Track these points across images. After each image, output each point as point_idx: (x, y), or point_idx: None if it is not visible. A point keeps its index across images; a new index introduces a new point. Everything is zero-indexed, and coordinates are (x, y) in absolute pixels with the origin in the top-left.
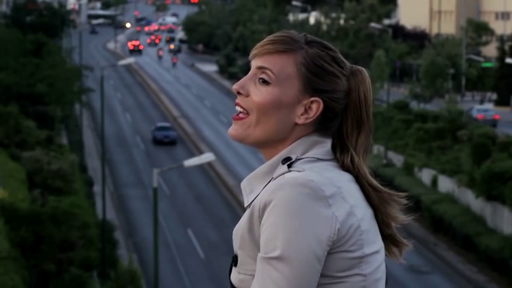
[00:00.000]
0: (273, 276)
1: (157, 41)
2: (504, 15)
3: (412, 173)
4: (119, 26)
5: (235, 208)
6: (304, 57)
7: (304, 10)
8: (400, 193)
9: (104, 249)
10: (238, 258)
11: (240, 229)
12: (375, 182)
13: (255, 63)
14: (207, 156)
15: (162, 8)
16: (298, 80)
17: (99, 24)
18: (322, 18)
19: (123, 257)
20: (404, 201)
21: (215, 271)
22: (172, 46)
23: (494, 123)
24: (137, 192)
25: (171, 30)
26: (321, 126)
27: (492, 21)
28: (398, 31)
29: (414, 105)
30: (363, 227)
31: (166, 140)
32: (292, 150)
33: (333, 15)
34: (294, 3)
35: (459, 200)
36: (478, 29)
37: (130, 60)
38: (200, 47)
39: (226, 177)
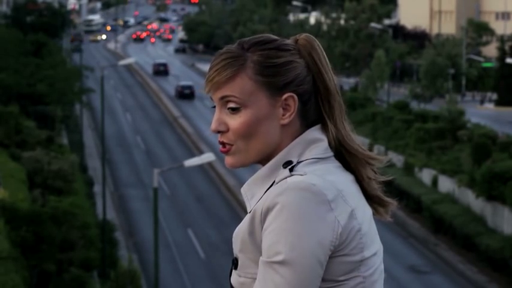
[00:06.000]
0: (275, 281)
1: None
2: (504, 15)
3: (413, 173)
4: (76, 39)
5: (235, 208)
6: (253, 68)
7: (304, 10)
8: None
9: (104, 249)
10: (239, 261)
11: (240, 233)
12: (353, 146)
13: (215, 97)
14: (207, 156)
15: (162, 8)
16: (261, 89)
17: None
18: (323, 19)
19: (124, 257)
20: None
21: (215, 271)
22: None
23: None
24: (137, 192)
25: (172, 30)
26: (303, 113)
27: (492, 21)
28: (399, 31)
29: (414, 105)
30: (363, 230)
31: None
32: (289, 152)
33: (333, 15)
34: (294, 3)
35: (459, 200)
36: (479, 29)
37: (130, 60)
38: (200, 47)
39: (227, 177)
